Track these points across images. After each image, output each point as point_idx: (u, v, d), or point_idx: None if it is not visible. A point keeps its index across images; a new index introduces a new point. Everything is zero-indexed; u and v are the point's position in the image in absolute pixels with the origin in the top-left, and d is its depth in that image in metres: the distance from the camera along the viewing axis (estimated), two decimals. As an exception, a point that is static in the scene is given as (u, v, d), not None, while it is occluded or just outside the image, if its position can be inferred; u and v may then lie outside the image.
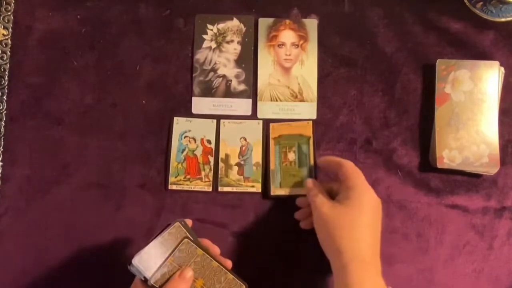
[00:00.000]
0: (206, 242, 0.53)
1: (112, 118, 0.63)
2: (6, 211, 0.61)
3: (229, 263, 0.53)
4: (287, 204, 0.60)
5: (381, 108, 0.64)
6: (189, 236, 0.49)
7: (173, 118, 0.63)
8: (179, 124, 0.62)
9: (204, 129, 0.62)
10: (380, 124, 0.63)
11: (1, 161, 0.62)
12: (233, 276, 0.50)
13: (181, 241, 0.49)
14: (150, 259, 0.47)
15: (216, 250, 0.53)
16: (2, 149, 0.62)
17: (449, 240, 0.62)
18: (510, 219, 0.62)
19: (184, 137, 0.62)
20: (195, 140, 0.62)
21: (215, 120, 0.63)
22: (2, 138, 0.62)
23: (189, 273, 0.48)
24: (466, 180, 0.63)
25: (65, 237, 0.61)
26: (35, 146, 0.62)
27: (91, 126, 0.63)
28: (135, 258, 0.47)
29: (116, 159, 0.62)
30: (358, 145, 0.63)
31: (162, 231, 0.49)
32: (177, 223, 0.49)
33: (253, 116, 0.63)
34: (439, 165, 0.61)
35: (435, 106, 0.62)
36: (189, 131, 0.62)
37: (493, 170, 0.61)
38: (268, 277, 0.60)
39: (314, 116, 0.63)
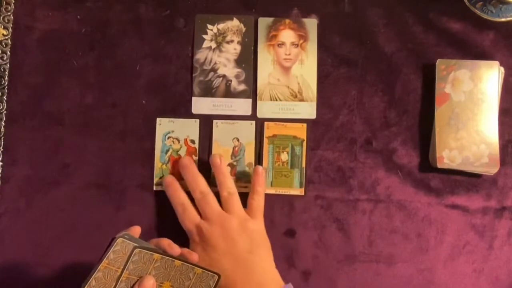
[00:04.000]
0: (165, 241, 0.51)
1: (112, 118, 0.63)
2: (6, 211, 0.61)
3: (195, 257, 0.51)
4: (279, 203, 0.61)
5: (381, 108, 0.64)
6: (138, 246, 0.47)
7: (155, 119, 0.63)
8: (162, 125, 0.62)
9: (187, 129, 0.62)
10: (380, 124, 0.63)
11: (1, 161, 0.62)
12: (202, 270, 0.48)
13: (132, 252, 0.46)
14: (101, 284, 0.45)
15: (175, 250, 0.51)
16: (2, 149, 0.62)
17: (449, 240, 0.62)
18: (510, 219, 0.62)
19: (168, 138, 0.62)
20: (178, 140, 0.62)
21: (198, 120, 0.63)
22: (2, 138, 0.62)
23: (150, 281, 0.45)
24: (466, 180, 0.63)
25: (65, 237, 0.61)
26: (35, 146, 0.62)
27: (91, 126, 0.63)
28: (85, 286, 0.44)
29: (116, 159, 0.62)
30: (358, 145, 0.63)
31: (106, 250, 0.46)
32: (120, 239, 0.46)
33: (253, 116, 0.63)
34: (439, 165, 0.61)
35: (435, 106, 0.62)
36: (172, 131, 0.62)
37: (493, 170, 0.61)
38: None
39: (314, 116, 0.63)
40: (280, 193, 0.62)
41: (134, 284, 0.46)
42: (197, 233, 0.56)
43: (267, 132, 0.63)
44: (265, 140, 0.63)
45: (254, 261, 0.54)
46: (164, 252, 0.49)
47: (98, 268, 0.45)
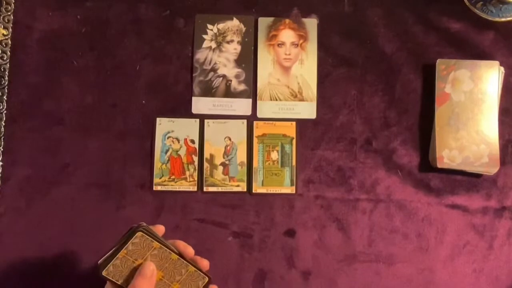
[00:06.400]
0: (180, 243, 0.50)
1: (112, 118, 0.63)
2: (6, 211, 0.61)
3: (205, 263, 0.50)
4: (279, 203, 0.61)
5: (381, 108, 0.64)
6: (158, 240, 0.48)
7: (155, 119, 0.63)
8: (162, 124, 0.62)
9: (187, 129, 0.62)
10: (380, 124, 0.63)
11: (1, 161, 0.62)
12: (195, 269, 0.48)
13: (134, 235, 0.47)
14: (118, 271, 0.46)
15: (190, 250, 0.49)
16: (2, 149, 0.62)
17: (449, 240, 0.62)
18: (510, 219, 0.62)
19: (168, 138, 0.62)
20: (178, 140, 0.62)
21: (198, 120, 0.63)
22: (2, 138, 0.62)
23: (150, 267, 0.46)
24: (466, 180, 0.63)
25: (65, 237, 0.61)
26: (35, 146, 0.62)
27: (91, 126, 0.63)
28: (103, 270, 0.45)
29: (116, 159, 0.62)
30: (358, 145, 0.63)
31: (124, 235, 0.47)
32: (139, 233, 0.47)
33: (253, 116, 0.63)
34: (439, 165, 0.61)
35: (435, 106, 0.62)
36: (172, 131, 0.62)
37: (493, 170, 0.61)
38: (263, 277, 0.60)
39: (314, 116, 0.63)
40: (271, 192, 0.62)
41: (134, 267, 0.46)
42: None
43: (256, 132, 0.63)
44: (255, 140, 0.63)
45: None
46: (166, 244, 0.49)
47: (117, 256, 0.46)
